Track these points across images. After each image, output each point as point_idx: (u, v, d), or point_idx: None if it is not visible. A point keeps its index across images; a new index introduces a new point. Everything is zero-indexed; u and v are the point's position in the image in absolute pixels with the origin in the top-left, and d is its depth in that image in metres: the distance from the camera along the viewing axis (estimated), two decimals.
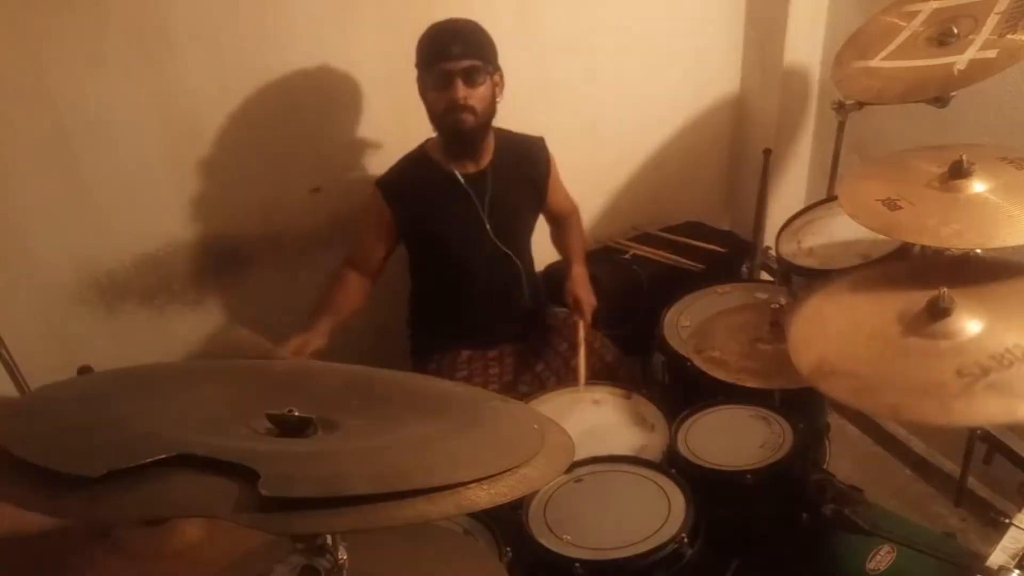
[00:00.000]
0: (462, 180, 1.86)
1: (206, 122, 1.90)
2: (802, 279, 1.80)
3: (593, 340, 2.00)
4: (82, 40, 1.71)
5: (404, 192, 1.86)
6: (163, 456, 0.61)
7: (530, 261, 2.05)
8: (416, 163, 1.88)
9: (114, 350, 1.97)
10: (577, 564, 1.30)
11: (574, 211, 2.16)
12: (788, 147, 2.52)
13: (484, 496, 0.66)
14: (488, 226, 1.89)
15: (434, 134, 1.85)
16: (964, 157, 1.42)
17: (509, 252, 1.94)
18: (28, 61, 1.68)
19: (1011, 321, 1.23)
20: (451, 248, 1.89)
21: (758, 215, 2.37)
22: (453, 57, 1.69)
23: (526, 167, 1.94)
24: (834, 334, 1.33)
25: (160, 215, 1.94)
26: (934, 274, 1.37)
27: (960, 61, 1.61)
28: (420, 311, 2.07)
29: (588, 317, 1.93)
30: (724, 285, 2.08)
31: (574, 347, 1.87)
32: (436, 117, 1.77)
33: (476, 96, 1.73)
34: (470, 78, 1.71)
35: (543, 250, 2.15)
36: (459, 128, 1.76)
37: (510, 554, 1.35)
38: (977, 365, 1.15)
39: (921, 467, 2.28)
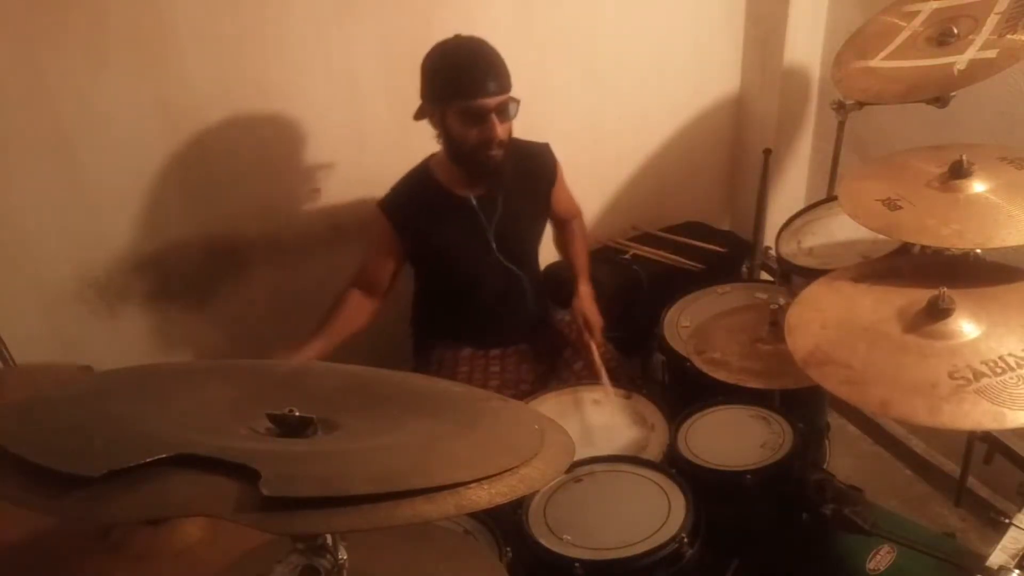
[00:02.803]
0: (474, 202, 1.84)
1: (206, 122, 1.90)
2: (802, 279, 1.80)
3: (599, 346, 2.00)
4: (82, 40, 1.71)
5: (408, 213, 1.83)
6: (164, 456, 0.61)
7: (536, 271, 2.04)
8: (420, 183, 1.85)
9: (114, 350, 1.97)
10: (577, 564, 1.30)
11: (576, 216, 2.13)
12: (788, 147, 2.52)
13: (484, 496, 0.66)
14: (494, 246, 1.87)
15: (438, 147, 1.81)
16: (964, 157, 1.42)
17: (514, 267, 1.93)
18: (28, 61, 1.69)
19: (1009, 328, 1.23)
20: (457, 266, 1.88)
21: (758, 215, 2.37)
22: (489, 93, 1.64)
23: (533, 179, 1.93)
24: (832, 323, 1.34)
25: (160, 215, 1.94)
26: (936, 273, 1.38)
27: (960, 61, 1.61)
28: (423, 314, 2.06)
29: (599, 336, 1.90)
30: (724, 285, 2.08)
31: (590, 367, 1.85)
32: (465, 151, 1.72)
33: (505, 130, 1.71)
34: (503, 113, 1.68)
35: (543, 250, 2.14)
36: (490, 164, 1.72)
37: (510, 554, 1.35)
38: (970, 369, 1.16)
39: (921, 467, 2.28)
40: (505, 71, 1.68)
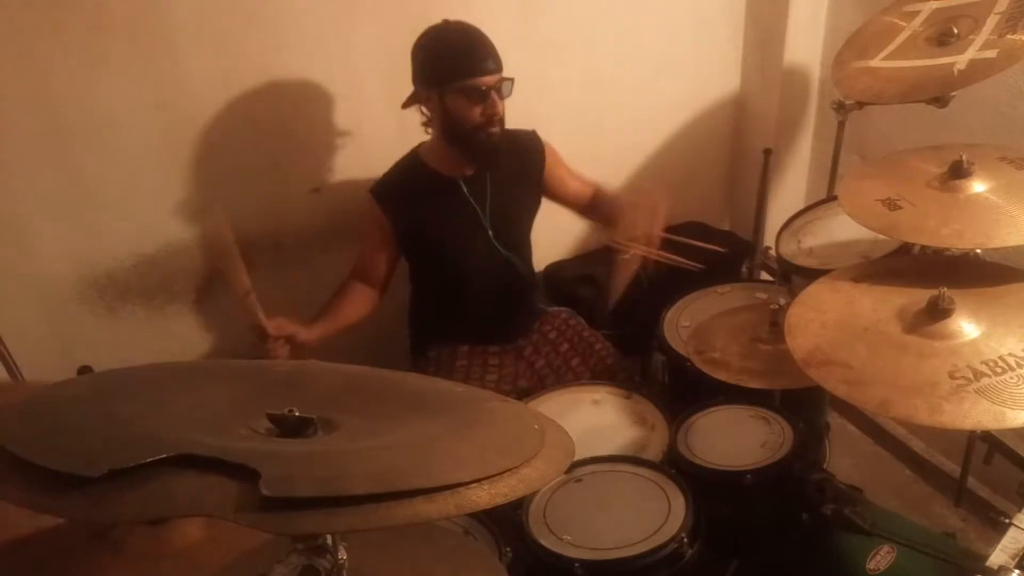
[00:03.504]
0: (464, 186, 1.84)
1: (206, 122, 1.90)
2: (802, 279, 1.81)
3: (595, 341, 1.99)
4: (82, 40, 1.71)
5: (400, 199, 1.84)
6: (164, 456, 0.61)
7: (530, 261, 2.04)
8: (410, 169, 1.86)
9: (114, 350, 1.97)
10: (577, 564, 1.30)
11: (597, 188, 2.04)
12: (788, 147, 2.52)
13: (484, 496, 0.66)
14: (490, 232, 1.88)
15: (426, 138, 1.83)
16: (964, 157, 1.42)
17: (510, 254, 1.93)
18: (28, 61, 1.69)
19: (1009, 328, 1.23)
20: (452, 254, 1.88)
21: (758, 215, 2.37)
22: (488, 71, 1.68)
23: (521, 162, 1.93)
24: (832, 323, 1.34)
25: (160, 215, 1.94)
26: (936, 273, 1.38)
27: (960, 61, 1.61)
28: (420, 313, 2.06)
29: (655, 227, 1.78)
30: (724, 285, 2.08)
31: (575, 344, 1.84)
32: (467, 131, 1.73)
33: (502, 108, 1.74)
34: (500, 91, 1.72)
35: (543, 250, 2.15)
36: (491, 142, 1.75)
37: (510, 554, 1.35)
38: (970, 369, 1.16)
39: (921, 467, 2.28)
40: (497, 52, 1.71)
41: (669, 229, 2.51)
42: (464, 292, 1.93)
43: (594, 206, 2.05)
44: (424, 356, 2.00)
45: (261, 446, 0.70)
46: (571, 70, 2.25)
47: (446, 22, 1.73)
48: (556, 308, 2.10)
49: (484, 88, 1.69)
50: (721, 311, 1.83)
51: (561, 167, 2.00)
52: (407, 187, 1.85)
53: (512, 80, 1.73)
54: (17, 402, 0.71)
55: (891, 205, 1.44)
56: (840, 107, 1.95)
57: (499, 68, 1.71)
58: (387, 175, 1.88)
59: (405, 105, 1.79)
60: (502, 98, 1.73)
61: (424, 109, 1.78)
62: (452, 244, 1.87)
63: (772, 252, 2.05)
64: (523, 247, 2.01)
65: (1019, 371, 1.14)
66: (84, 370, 1.67)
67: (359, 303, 1.87)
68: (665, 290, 2.12)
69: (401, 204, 1.84)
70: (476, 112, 1.71)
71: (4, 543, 1.05)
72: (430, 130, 1.82)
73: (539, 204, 2.01)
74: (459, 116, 1.72)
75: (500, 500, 0.66)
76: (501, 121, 1.75)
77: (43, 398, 0.75)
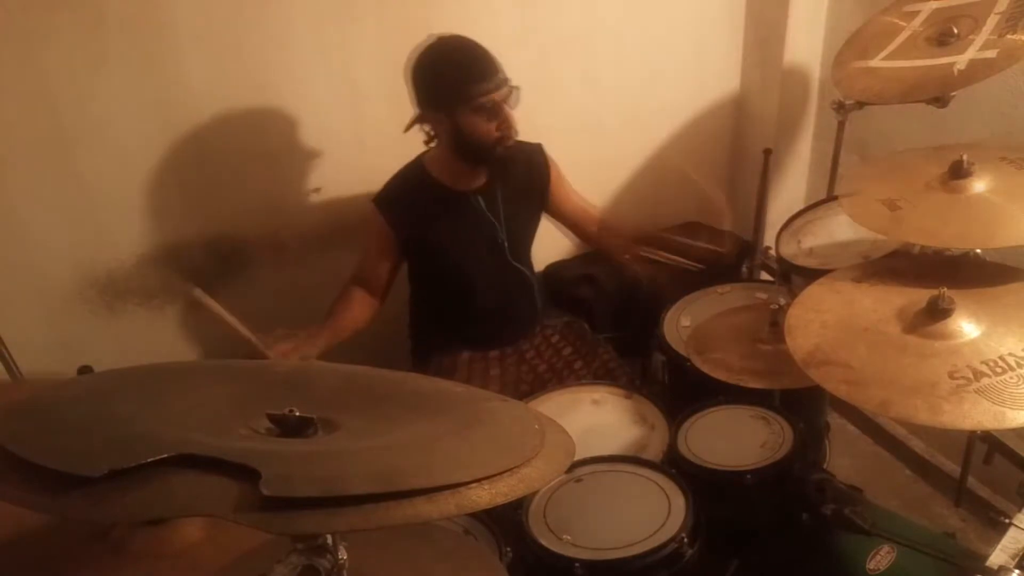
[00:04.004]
0: (481, 200, 1.84)
1: (206, 122, 1.90)
2: (802, 279, 1.80)
3: (597, 345, 1.99)
4: (82, 40, 1.71)
5: (405, 209, 1.82)
6: (164, 456, 0.61)
7: (532, 267, 2.04)
8: (416, 179, 1.84)
9: (114, 350, 1.97)
10: (577, 564, 1.30)
11: (601, 220, 2.07)
12: (788, 147, 2.52)
13: (484, 496, 0.66)
14: (505, 242, 1.88)
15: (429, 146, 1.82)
16: (964, 157, 1.42)
17: (519, 265, 1.93)
18: (28, 61, 1.69)
19: (1009, 328, 1.23)
20: (460, 263, 1.87)
21: (758, 215, 2.37)
22: (498, 85, 1.67)
23: (528, 174, 1.92)
24: (832, 323, 1.34)
25: (160, 215, 1.94)
26: (936, 273, 1.38)
27: (960, 61, 1.61)
28: (421, 316, 2.06)
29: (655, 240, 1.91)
30: (724, 285, 2.07)
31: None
32: (484, 147, 1.72)
33: (514, 118, 1.73)
34: (510, 101, 1.71)
35: (543, 250, 2.14)
36: (505, 153, 1.74)
37: (510, 554, 1.35)
38: (970, 369, 1.16)
39: (921, 467, 2.28)
40: (498, 61, 1.70)
41: (669, 229, 2.53)
42: (470, 300, 1.93)
43: (594, 235, 2.08)
44: (425, 363, 1.99)
45: (261, 446, 0.70)
46: (571, 71, 2.25)
47: (441, 40, 1.69)
48: (558, 312, 2.09)
49: (497, 103, 1.67)
50: (721, 311, 1.84)
51: (565, 185, 2.01)
52: (413, 198, 1.83)
53: (519, 88, 1.71)
54: (17, 402, 0.71)
55: (891, 205, 1.44)
56: (840, 107, 1.95)
57: (505, 78, 1.69)
58: (390, 185, 1.85)
59: (408, 128, 1.76)
60: (512, 108, 1.71)
61: (428, 129, 1.76)
62: (463, 255, 1.86)
63: (772, 252, 2.05)
64: (529, 257, 2.01)
65: (1019, 371, 1.14)
66: (84, 370, 1.67)
67: (363, 309, 1.86)
68: (665, 290, 2.12)
69: (406, 215, 1.82)
70: (492, 128, 1.69)
71: (4, 543, 1.05)
72: (432, 144, 1.80)
73: (541, 217, 2.01)
74: (475, 134, 1.70)
75: (500, 500, 0.67)
76: (515, 131, 1.73)
77: (43, 398, 0.75)
